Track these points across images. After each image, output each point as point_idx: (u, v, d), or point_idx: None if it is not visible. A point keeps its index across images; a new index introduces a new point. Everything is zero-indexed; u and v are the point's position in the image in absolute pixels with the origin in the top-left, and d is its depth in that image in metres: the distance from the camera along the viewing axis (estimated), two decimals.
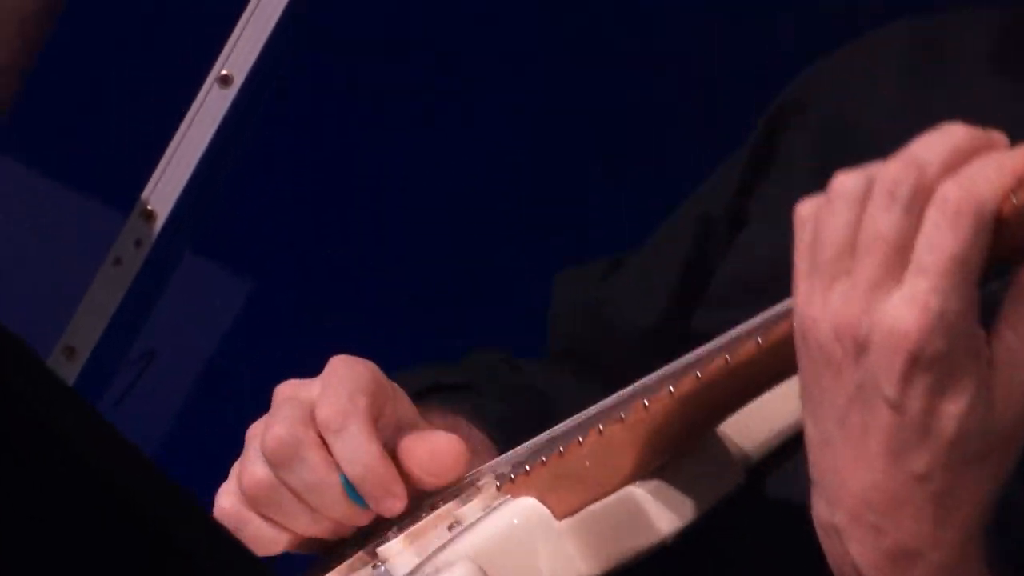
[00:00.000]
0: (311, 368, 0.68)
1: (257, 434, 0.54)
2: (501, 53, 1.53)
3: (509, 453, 0.58)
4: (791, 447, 0.50)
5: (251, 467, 0.51)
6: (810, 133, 0.74)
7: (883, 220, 0.35)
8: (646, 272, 0.81)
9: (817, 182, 0.69)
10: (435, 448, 0.53)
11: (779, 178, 0.73)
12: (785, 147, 0.75)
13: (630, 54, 1.51)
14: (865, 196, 0.36)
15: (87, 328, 1.40)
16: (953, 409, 0.35)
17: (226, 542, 0.78)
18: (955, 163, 0.36)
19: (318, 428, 0.50)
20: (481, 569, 0.47)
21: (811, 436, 0.40)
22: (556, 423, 0.68)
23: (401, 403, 0.55)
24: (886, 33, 0.77)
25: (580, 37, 1.52)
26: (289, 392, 0.54)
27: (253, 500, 0.51)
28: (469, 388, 0.73)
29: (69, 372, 1.36)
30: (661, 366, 0.70)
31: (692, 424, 0.49)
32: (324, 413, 0.49)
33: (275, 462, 0.49)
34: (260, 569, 0.70)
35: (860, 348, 0.35)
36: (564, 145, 1.51)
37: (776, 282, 0.63)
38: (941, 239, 0.34)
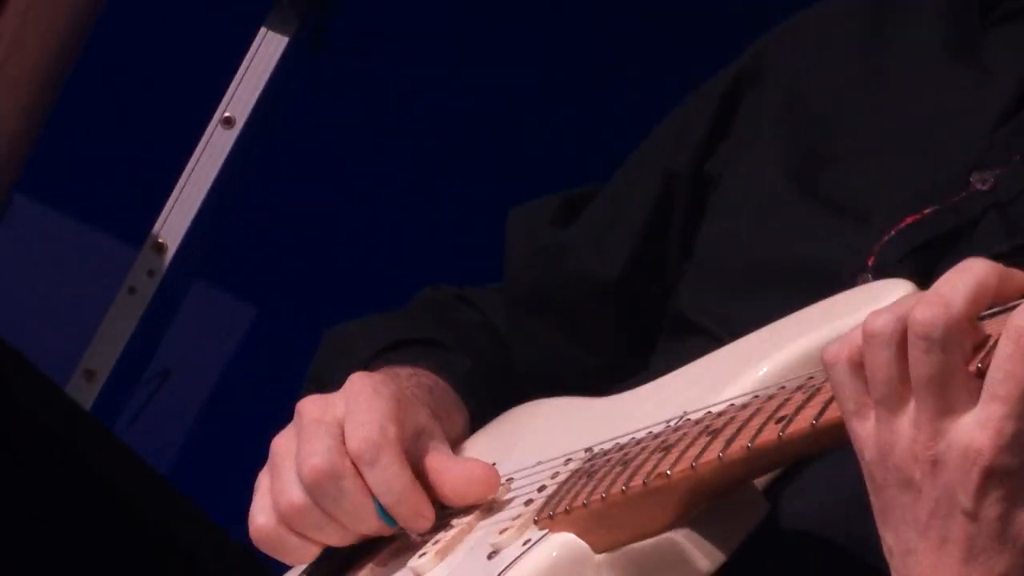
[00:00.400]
0: None
1: (285, 452, 0.55)
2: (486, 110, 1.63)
3: (521, 468, 0.59)
4: (794, 466, 0.52)
5: (288, 492, 0.52)
6: (772, 98, 0.74)
7: (928, 362, 0.37)
8: (607, 223, 0.79)
9: (786, 151, 0.69)
10: (470, 476, 0.55)
11: (744, 144, 0.74)
12: (746, 110, 0.75)
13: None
14: (899, 335, 0.38)
15: (105, 352, 1.45)
16: None
17: (226, 543, 0.84)
18: (979, 299, 0.37)
19: (352, 458, 0.51)
20: None
21: (893, 547, 0.41)
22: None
23: (419, 413, 0.57)
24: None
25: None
26: (316, 413, 0.54)
27: (289, 521, 0.53)
28: (434, 343, 0.73)
29: (89, 393, 1.42)
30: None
31: (734, 480, 0.49)
32: (357, 445, 0.51)
33: (314, 490, 0.51)
34: (259, 569, 0.74)
35: (937, 467, 0.37)
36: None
37: (771, 280, 0.65)
38: (1015, 370, 0.35)
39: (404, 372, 0.66)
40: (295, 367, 1.45)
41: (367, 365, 0.67)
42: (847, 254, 0.61)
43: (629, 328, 0.78)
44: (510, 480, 0.58)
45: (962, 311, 0.37)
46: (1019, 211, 0.57)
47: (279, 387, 1.44)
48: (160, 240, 1.42)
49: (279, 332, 1.62)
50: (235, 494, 1.31)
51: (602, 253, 0.77)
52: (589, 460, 0.55)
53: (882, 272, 0.58)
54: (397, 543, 0.55)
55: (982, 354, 0.38)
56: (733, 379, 0.54)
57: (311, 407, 0.55)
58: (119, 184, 1.64)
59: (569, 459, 0.57)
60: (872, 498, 0.41)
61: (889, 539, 0.42)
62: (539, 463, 0.58)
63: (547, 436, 0.63)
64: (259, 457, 1.29)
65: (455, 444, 0.63)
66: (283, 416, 1.29)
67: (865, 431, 0.40)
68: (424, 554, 0.53)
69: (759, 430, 0.45)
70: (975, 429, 0.36)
